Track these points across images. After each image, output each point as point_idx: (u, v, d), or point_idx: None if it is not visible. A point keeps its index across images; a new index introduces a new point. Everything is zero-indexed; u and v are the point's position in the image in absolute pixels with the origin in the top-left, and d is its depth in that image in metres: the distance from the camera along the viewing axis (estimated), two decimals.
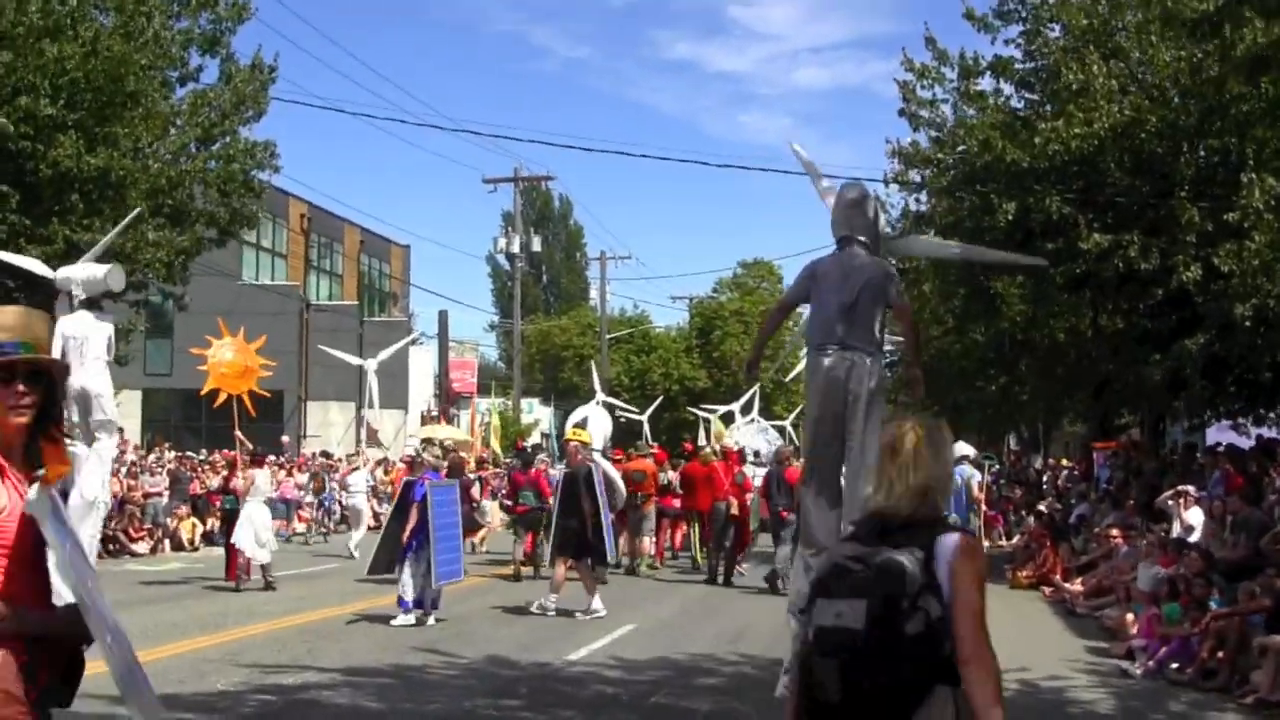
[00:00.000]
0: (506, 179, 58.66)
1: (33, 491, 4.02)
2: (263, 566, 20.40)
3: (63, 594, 4.11)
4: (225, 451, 32.40)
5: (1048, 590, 22.03)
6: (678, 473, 26.40)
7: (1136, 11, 23.95)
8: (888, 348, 11.68)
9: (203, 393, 23.16)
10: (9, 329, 4.18)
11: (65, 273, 15.81)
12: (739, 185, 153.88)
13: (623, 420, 45.19)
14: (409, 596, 16.57)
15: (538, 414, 65.20)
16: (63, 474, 4.15)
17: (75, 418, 14.67)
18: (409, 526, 16.78)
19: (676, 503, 26.03)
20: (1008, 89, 26.29)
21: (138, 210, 21.35)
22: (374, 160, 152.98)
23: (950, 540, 4.29)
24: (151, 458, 34.60)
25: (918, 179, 27.17)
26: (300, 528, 34.64)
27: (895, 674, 4.12)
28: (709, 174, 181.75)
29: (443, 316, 53.26)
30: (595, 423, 24.35)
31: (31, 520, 3.99)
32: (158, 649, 13.37)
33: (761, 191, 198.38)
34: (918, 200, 28.15)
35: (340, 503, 37.28)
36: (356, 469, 31.15)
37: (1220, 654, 13.68)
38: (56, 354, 14.06)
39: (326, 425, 52.11)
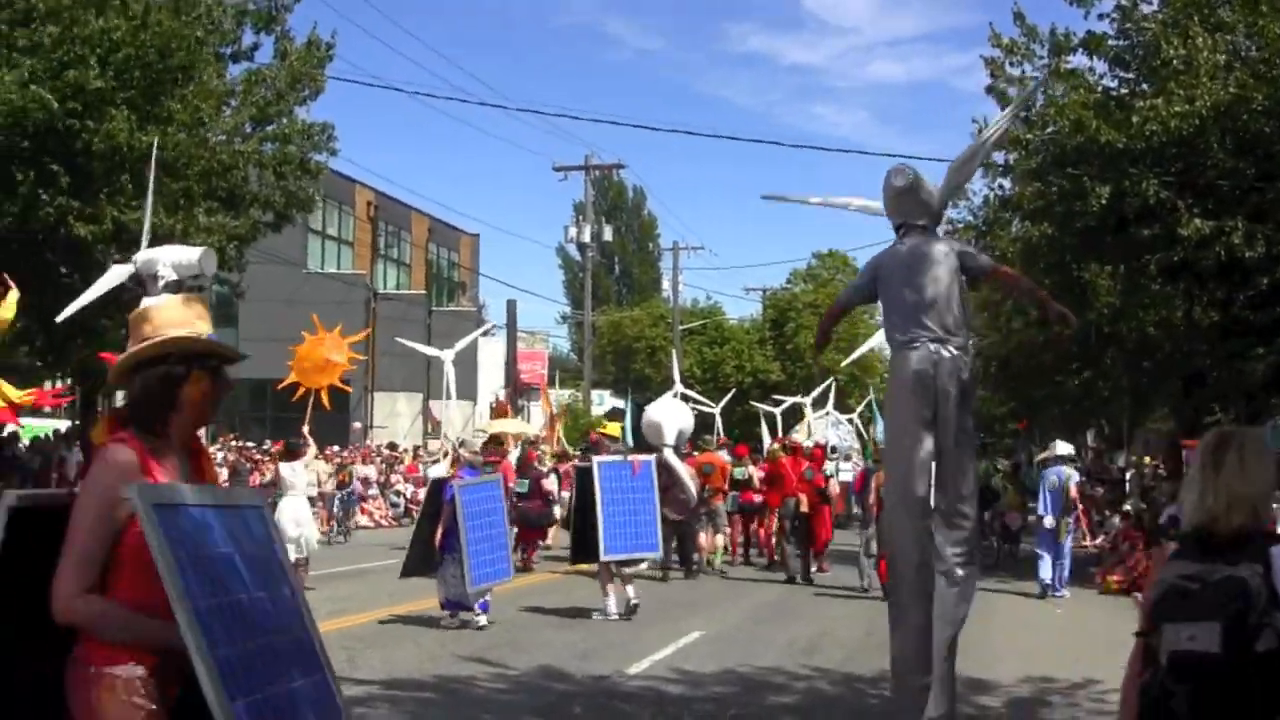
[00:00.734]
0: (577, 167, 57.99)
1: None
2: (296, 564, 19.42)
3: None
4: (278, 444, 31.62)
5: (1139, 597, 20.69)
6: (758, 468, 25.60)
7: None
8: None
9: (281, 386, 22.55)
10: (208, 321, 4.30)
11: (149, 255, 15.11)
12: (812, 175, 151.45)
13: (695, 413, 44.10)
14: (448, 597, 15.73)
15: (609, 405, 64.49)
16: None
17: None
18: (441, 528, 15.85)
19: (757, 499, 25.17)
20: (1101, 67, 24.88)
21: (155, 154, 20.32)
22: (443, 148, 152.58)
23: None
24: (213, 449, 33.93)
25: (1004, 162, 25.78)
26: (365, 521, 33.76)
27: (1248, 694, 4.07)
28: (782, 164, 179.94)
29: (511, 306, 52.71)
30: (673, 415, 23.26)
31: None
32: None
33: (835, 181, 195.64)
34: (1002, 186, 26.76)
35: (405, 496, 36.55)
36: (437, 460, 30.00)
37: None
38: None
39: (394, 416, 51.58)
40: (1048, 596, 21.09)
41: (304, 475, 20.37)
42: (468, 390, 50.68)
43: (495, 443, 22.23)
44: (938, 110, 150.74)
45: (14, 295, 16.59)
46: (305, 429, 21.41)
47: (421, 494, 27.88)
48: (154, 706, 3.96)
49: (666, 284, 76.01)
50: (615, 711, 11.02)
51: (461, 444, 19.06)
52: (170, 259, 14.88)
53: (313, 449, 22.01)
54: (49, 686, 4.03)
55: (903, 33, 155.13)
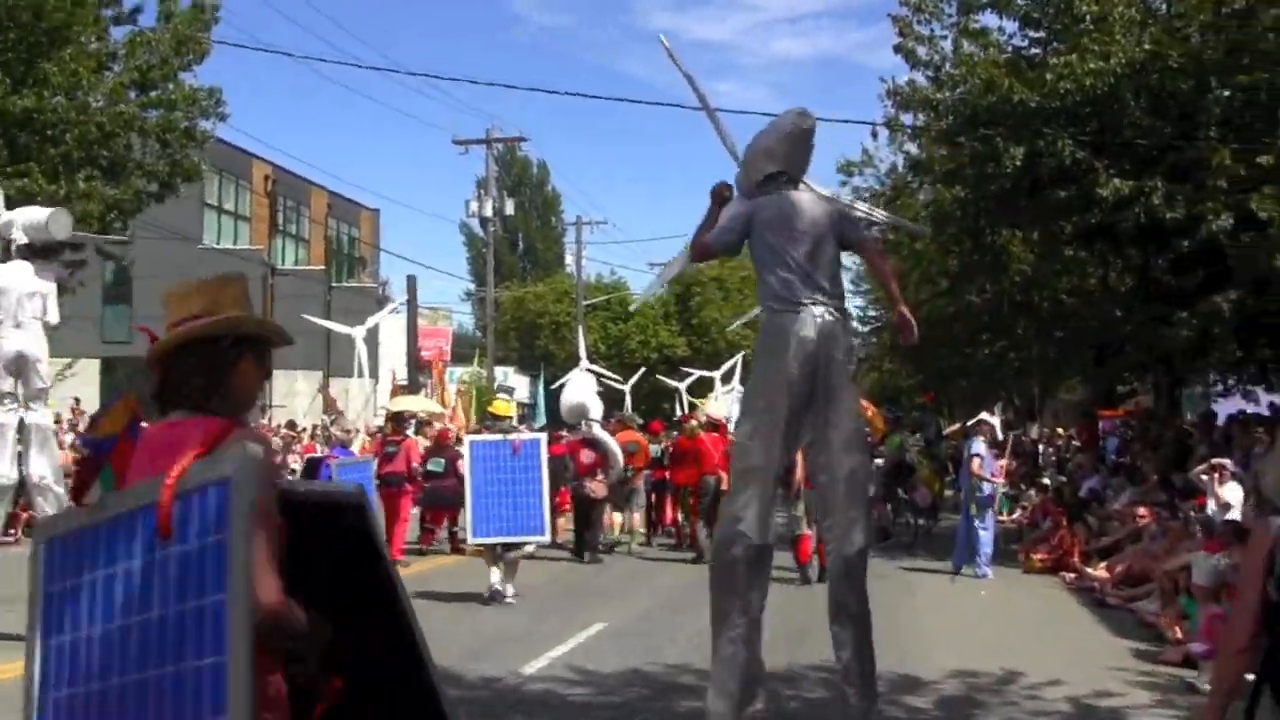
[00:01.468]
0: (478, 141, 56.56)
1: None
2: None
3: None
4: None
5: (1068, 576, 19.91)
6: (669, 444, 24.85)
7: None
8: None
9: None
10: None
11: (6, 216, 13.90)
12: (715, 149, 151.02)
13: (601, 389, 43.39)
14: None
15: (513, 382, 63.75)
16: None
17: (4, 386, 13.19)
18: None
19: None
20: (1010, 26, 24.02)
21: None
22: (343, 122, 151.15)
23: None
24: None
25: (911, 125, 24.89)
26: None
27: None
28: (685, 137, 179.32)
29: (411, 281, 51.44)
30: (583, 390, 22.59)
31: None
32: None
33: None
34: (908, 152, 25.86)
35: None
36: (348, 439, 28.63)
37: None
38: None
39: (292, 395, 50.14)
40: (959, 575, 20.34)
41: None
42: (368, 368, 49.52)
43: (397, 421, 21.42)
44: (842, 85, 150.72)
45: None
46: None
47: None
48: None
49: (570, 259, 75.24)
50: None
51: (333, 422, 17.99)
52: (23, 220, 13.70)
53: None
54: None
55: (806, 9, 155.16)
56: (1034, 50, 23.78)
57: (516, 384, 64.44)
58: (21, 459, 13.41)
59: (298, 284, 50.07)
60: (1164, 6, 22.27)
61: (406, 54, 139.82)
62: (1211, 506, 17.80)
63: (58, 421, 29.09)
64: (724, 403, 41.11)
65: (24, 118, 21.97)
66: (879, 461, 28.62)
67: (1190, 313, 21.49)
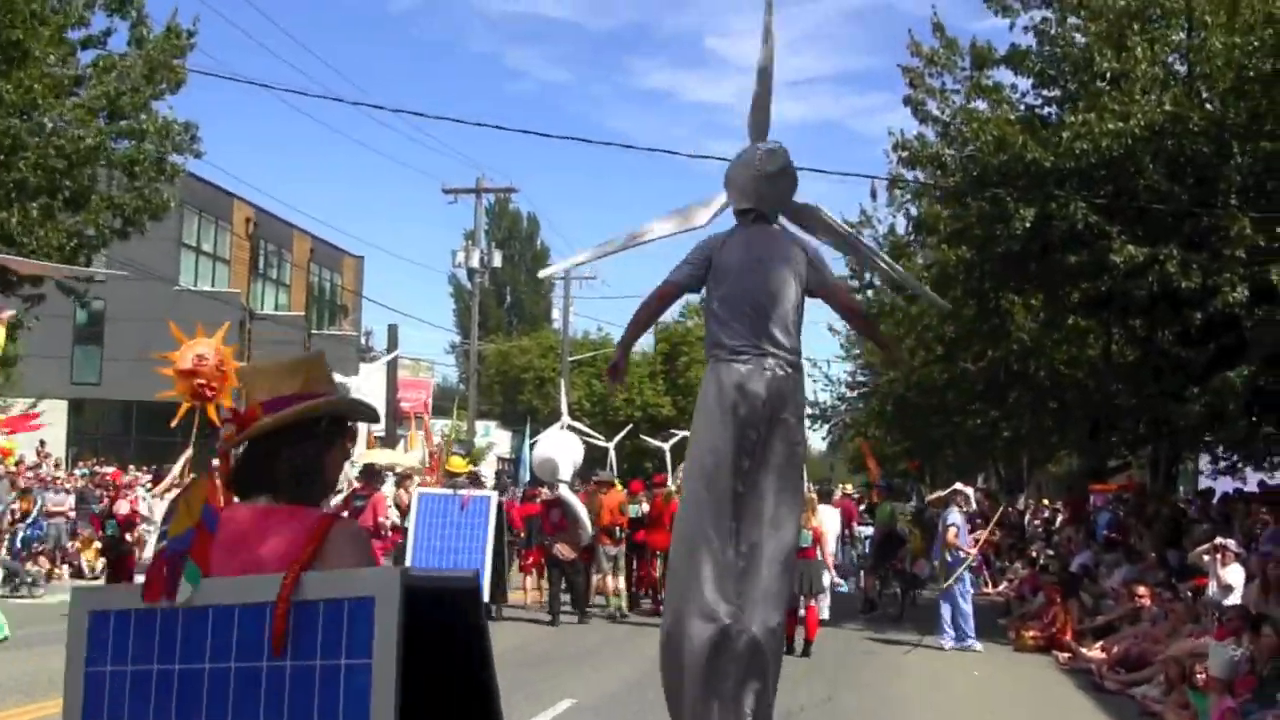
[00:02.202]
0: (468, 190, 55.72)
1: None
2: None
3: None
4: (115, 473, 29.36)
5: (1062, 656, 18.90)
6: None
7: None
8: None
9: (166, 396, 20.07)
10: None
11: None
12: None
13: (586, 446, 42.51)
14: None
15: (495, 437, 62.97)
16: None
17: None
18: None
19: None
20: (1024, 84, 23.20)
21: None
22: (328, 166, 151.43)
23: None
24: (62, 473, 31.58)
25: (919, 180, 24.02)
26: None
27: None
28: (676, 195, 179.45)
29: (392, 331, 50.70)
30: (555, 447, 21.76)
31: None
32: None
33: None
34: (917, 204, 24.94)
35: None
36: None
37: None
38: None
39: None
40: (951, 647, 19.48)
41: (161, 507, 17.97)
42: None
43: (367, 474, 20.59)
44: (838, 149, 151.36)
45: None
46: (185, 455, 18.81)
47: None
48: None
49: (558, 314, 74.71)
50: None
51: None
52: None
53: (170, 477, 19.55)
54: None
55: (803, 74, 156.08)
56: (1048, 109, 22.95)
57: (498, 439, 63.74)
58: None
59: (277, 330, 49.16)
60: (1184, 69, 21.43)
61: (404, 97, 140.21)
62: (1213, 588, 17.10)
63: (19, 464, 28.17)
64: None
65: None
66: (869, 531, 27.75)
67: (1202, 388, 20.61)
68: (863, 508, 32.05)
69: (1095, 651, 17.87)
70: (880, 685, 16.08)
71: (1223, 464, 27.64)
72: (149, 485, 18.68)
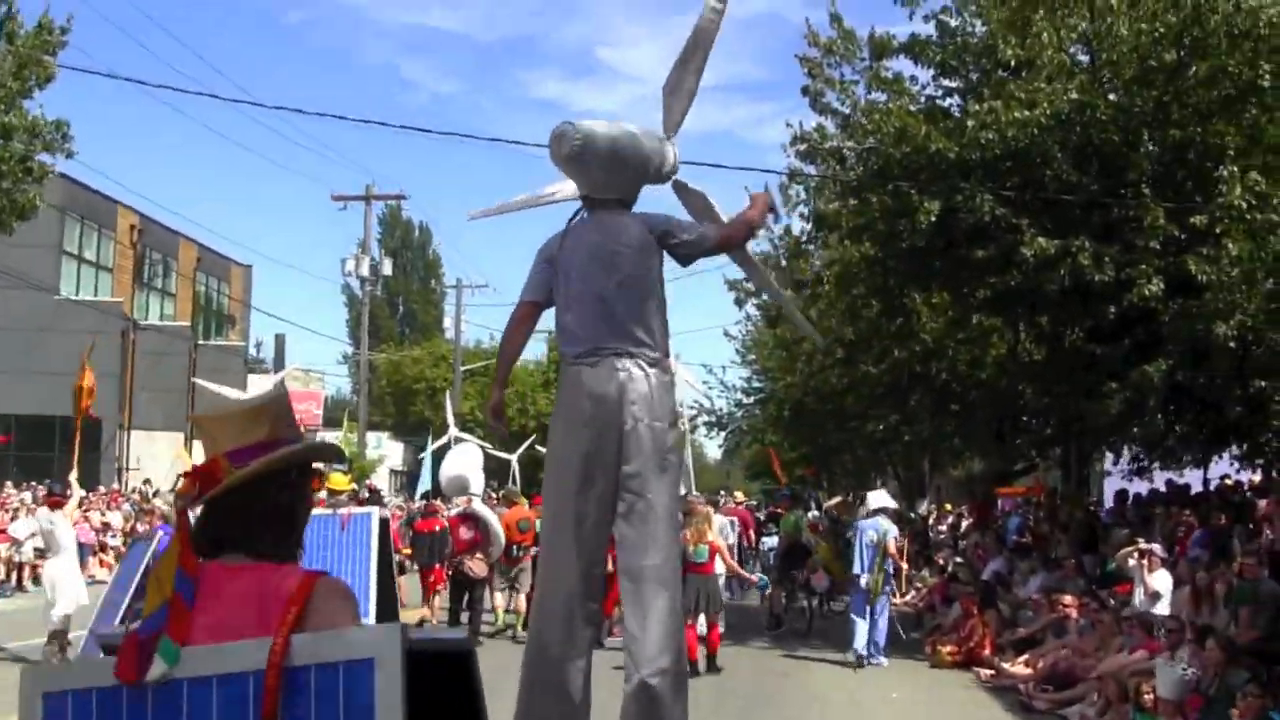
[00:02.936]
0: (358, 196, 54.54)
1: None
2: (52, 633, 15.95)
3: None
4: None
5: (984, 673, 17.93)
6: None
7: None
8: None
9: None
10: None
11: None
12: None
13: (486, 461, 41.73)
14: None
15: (386, 449, 61.89)
16: None
17: None
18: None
19: None
20: (924, 76, 22.36)
21: None
22: (216, 173, 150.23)
23: None
24: None
25: (817, 173, 23.10)
26: (104, 574, 29.91)
27: None
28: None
29: (279, 340, 49.74)
30: (464, 463, 21.02)
31: None
32: None
33: None
34: (816, 200, 23.99)
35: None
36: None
37: None
38: None
39: (152, 458, 47.68)
40: (864, 665, 18.37)
41: (68, 529, 16.94)
42: None
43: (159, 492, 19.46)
44: (728, 159, 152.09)
45: None
46: (73, 474, 17.74)
47: None
48: None
49: (449, 323, 73.73)
50: None
51: (156, 494, 16.07)
52: None
53: (77, 495, 18.49)
54: None
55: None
56: (949, 100, 22.14)
57: (391, 450, 62.66)
58: None
59: (161, 341, 48.25)
60: (1087, 58, 20.69)
61: (295, 118, 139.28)
62: (1139, 596, 16.36)
63: None
64: None
65: None
66: (773, 542, 26.76)
67: (1120, 384, 19.88)
68: (763, 517, 31.06)
69: (1019, 667, 17.00)
70: (798, 712, 15.11)
71: (1134, 464, 26.94)
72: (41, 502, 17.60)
